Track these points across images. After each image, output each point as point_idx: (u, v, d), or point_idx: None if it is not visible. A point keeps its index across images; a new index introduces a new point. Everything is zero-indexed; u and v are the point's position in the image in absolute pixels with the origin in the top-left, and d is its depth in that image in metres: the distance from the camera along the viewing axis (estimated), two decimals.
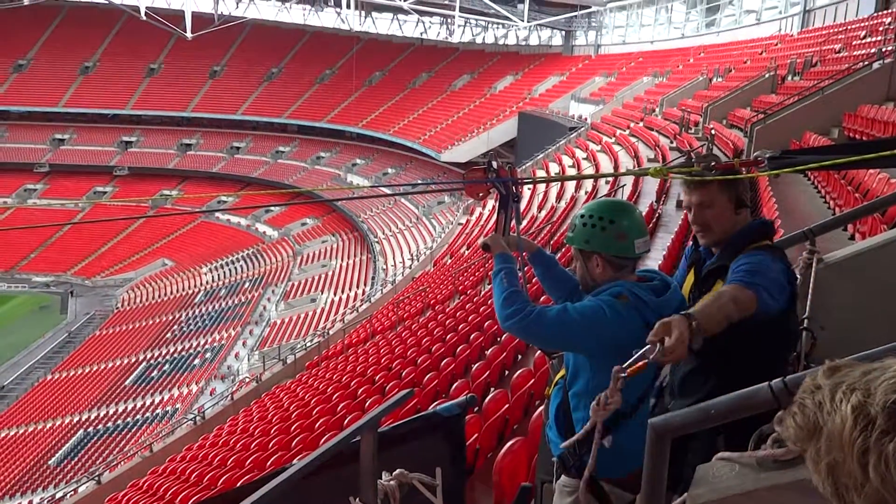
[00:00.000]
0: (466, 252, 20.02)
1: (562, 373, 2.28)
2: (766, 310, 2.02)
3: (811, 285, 2.94)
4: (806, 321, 2.76)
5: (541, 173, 26.47)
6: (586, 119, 32.29)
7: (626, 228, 2.11)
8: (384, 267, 30.72)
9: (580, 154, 25.80)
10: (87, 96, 58.97)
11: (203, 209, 45.85)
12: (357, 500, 2.25)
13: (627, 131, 25.96)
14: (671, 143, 20.75)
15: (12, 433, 26.29)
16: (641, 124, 26.03)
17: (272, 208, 48.53)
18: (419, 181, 40.79)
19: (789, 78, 19.69)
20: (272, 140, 56.09)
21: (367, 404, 8.52)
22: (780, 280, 2.15)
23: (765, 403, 1.33)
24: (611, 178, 16.77)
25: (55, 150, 57.53)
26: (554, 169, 26.08)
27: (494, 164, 2.52)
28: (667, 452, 1.42)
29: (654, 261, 9.24)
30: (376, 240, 35.51)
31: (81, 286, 43.17)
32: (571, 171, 23.70)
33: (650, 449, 1.43)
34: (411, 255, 28.36)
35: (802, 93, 15.06)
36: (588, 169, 22.64)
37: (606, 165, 21.93)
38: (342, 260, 36.68)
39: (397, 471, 2.43)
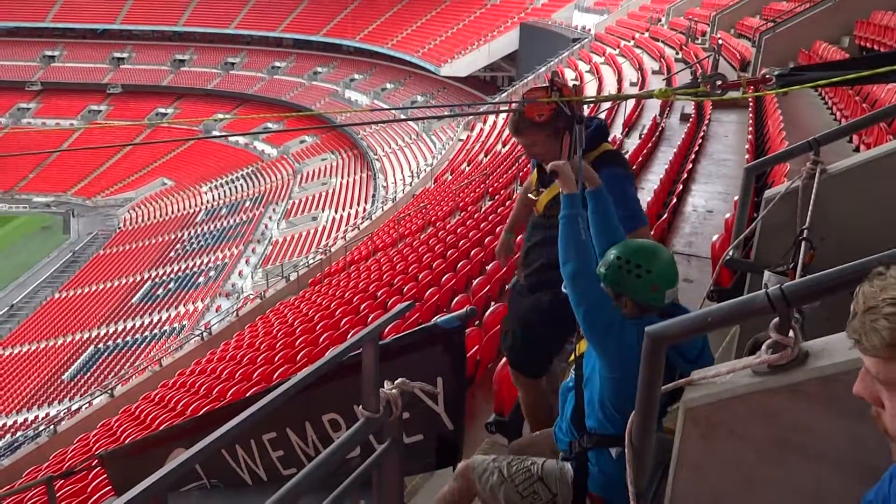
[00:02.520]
0: (467, 168, 19.86)
1: (572, 358, 2.36)
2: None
3: (813, 196, 2.92)
4: (805, 231, 2.76)
5: None
6: (590, 30, 31.27)
7: (659, 279, 2.07)
8: (384, 184, 30.58)
9: (583, 67, 25.14)
10: (74, 11, 57.06)
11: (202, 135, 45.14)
12: (360, 407, 2.30)
13: (632, 42, 25.20)
14: (677, 54, 20.20)
15: (25, 350, 26.96)
16: (647, 35, 25.24)
17: (269, 125, 47.80)
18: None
19: None
20: (267, 55, 54.59)
21: (369, 319, 8.68)
22: (632, 186, 2.67)
23: (762, 310, 1.34)
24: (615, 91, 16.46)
25: (46, 67, 56.17)
26: None
27: (558, 81, 2.48)
28: (662, 360, 1.44)
29: (655, 174, 9.17)
30: (376, 157, 35.18)
31: (82, 206, 43.15)
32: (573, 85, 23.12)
33: (646, 355, 1.45)
34: (411, 172, 28.16)
35: None
36: (591, 82, 22.11)
37: (610, 79, 21.41)
38: (342, 178, 36.47)
39: (399, 380, 2.48)
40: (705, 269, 5.09)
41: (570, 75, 24.97)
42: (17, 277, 33.66)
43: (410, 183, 25.47)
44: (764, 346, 1.40)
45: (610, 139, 2.67)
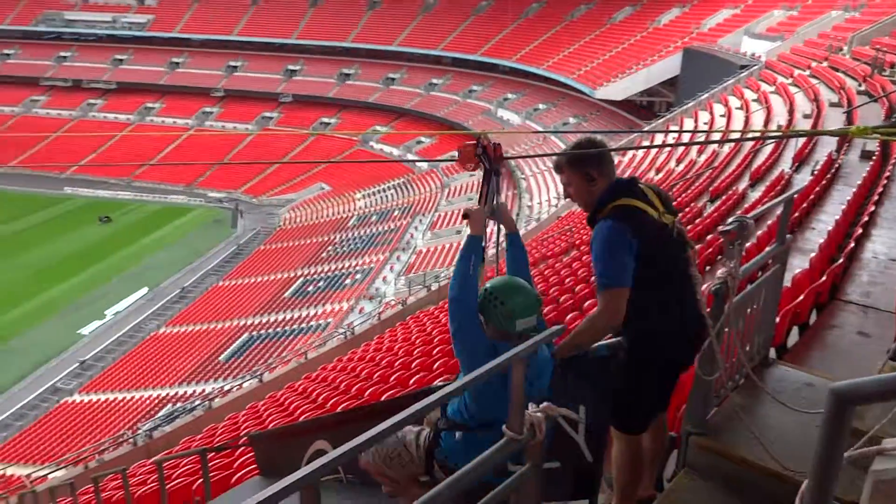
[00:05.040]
0: None
1: None
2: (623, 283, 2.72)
3: None
4: None
5: (704, 115, 24.79)
6: (760, 57, 29.51)
7: (512, 309, 2.60)
8: (529, 204, 30.56)
9: (749, 95, 23.76)
10: (257, 26, 62.46)
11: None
12: (504, 426, 2.32)
13: (807, 72, 23.47)
14: (859, 86, 18.56)
15: (190, 329, 29.66)
16: (825, 64, 23.41)
17: (423, 139, 49.46)
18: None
19: None
20: (426, 72, 56.62)
21: None
22: (619, 241, 2.69)
23: None
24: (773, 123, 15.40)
25: (229, 76, 61.77)
26: (719, 111, 24.27)
27: (483, 141, 2.98)
28: (849, 421, 1.33)
29: (829, 214, 8.47)
30: (523, 176, 35.28)
31: (249, 204, 46.93)
32: (739, 114, 21.95)
33: (829, 417, 1.32)
34: (558, 194, 27.94)
35: None
36: (758, 112, 20.85)
37: (780, 109, 20.07)
38: None
39: (545, 403, 2.47)
40: (885, 324, 4.62)
41: (734, 103, 23.71)
42: (190, 263, 37.23)
43: (556, 204, 25.28)
44: None
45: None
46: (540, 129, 42.12)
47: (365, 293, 28.21)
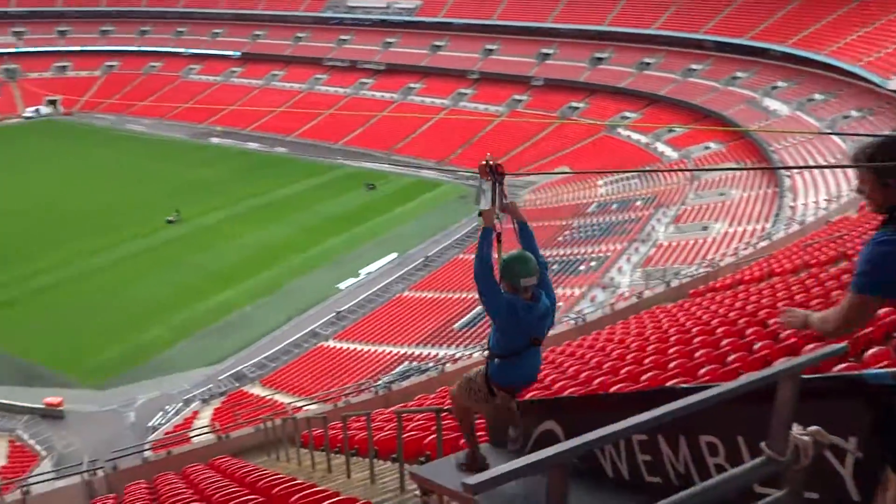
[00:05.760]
0: None
1: None
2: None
3: None
4: None
5: None
6: None
7: (518, 272, 3.86)
8: (792, 204, 27.63)
9: None
10: (515, 10, 63.96)
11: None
12: (766, 445, 2.19)
13: None
14: None
15: (430, 296, 31.81)
16: None
17: (675, 128, 47.04)
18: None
19: None
20: (685, 57, 53.53)
21: (755, 346, 8.05)
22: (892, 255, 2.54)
23: None
24: None
25: (485, 59, 64.18)
26: None
27: (490, 161, 4.36)
28: None
29: None
30: (787, 174, 31.91)
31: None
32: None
33: None
34: (829, 196, 24.88)
35: None
36: None
37: None
38: (743, 191, 34.06)
39: (814, 427, 2.28)
40: None
41: None
42: (434, 235, 39.81)
43: (826, 208, 22.54)
44: None
45: None
46: (813, 121, 37.70)
47: (598, 281, 27.85)
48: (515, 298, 3.86)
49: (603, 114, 53.43)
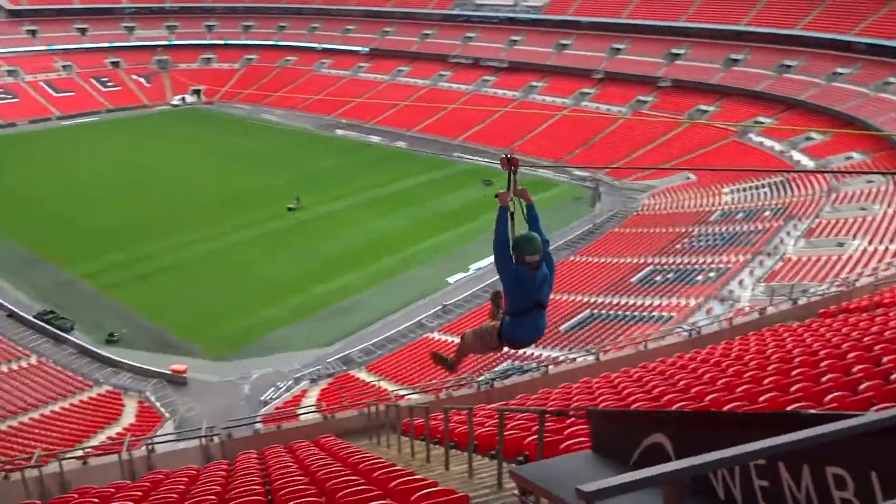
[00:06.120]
0: None
1: None
2: None
3: None
4: None
5: None
6: None
7: (524, 248, 4.66)
8: None
9: None
10: (644, 9, 61.96)
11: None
12: None
13: None
14: None
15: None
16: None
17: (813, 135, 43.88)
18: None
19: None
20: (830, 60, 49.74)
21: (892, 376, 7.33)
22: None
23: None
24: None
25: (611, 58, 62.63)
26: None
27: (509, 153, 5.02)
28: None
29: None
30: None
31: (610, 185, 47.47)
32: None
33: None
34: None
35: None
36: None
37: None
38: (888, 206, 31.22)
39: None
40: None
41: None
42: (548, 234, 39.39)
43: None
44: None
45: None
46: None
47: (716, 293, 26.49)
48: (522, 269, 4.71)
49: (735, 118, 50.72)
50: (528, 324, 4.90)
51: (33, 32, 77.22)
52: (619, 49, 62.79)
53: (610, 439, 5.73)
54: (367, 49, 79.58)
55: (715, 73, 55.41)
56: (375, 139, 62.41)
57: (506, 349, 5.39)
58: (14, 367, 25.51)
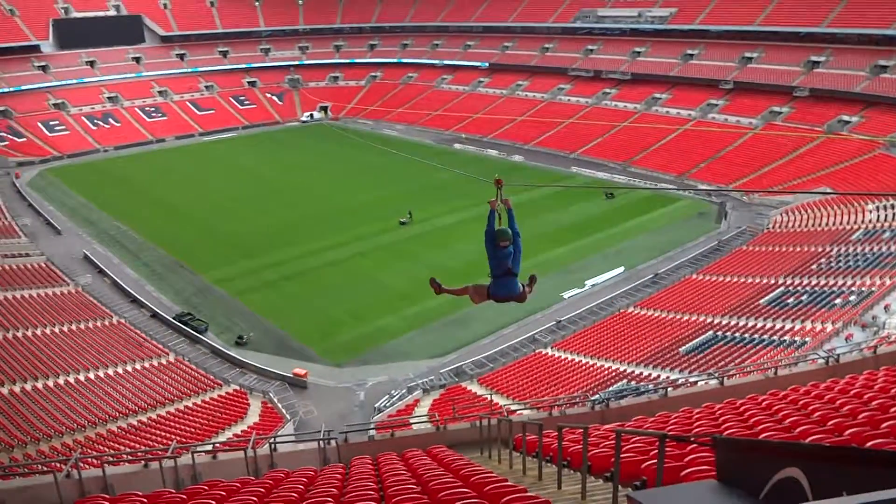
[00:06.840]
0: None
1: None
2: None
3: None
4: None
5: None
6: None
7: (499, 237, 6.94)
8: None
9: None
10: (780, 14, 58.50)
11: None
12: None
13: None
14: None
15: (655, 315, 30.33)
16: None
17: None
18: None
19: None
20: None
21: None
22: None
23: None
24: None
25: (742, 68, 59.61)
26: None
27: (496, 176, 7.46)
28: None
29: None
30: None
31: (738, 201, 45.01)
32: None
33: None
34: None
35: None
36: None
37: None
38: None
39: None
40: None
41: None
42: (667, 251, 37.92)
43: None
44: None
45: None
46: None
47: (857, 319, 24.37)
48: (498, 249, 6.90)
49: (882, 129, 46.68)
50: (502, 285, 7.05)
51: (182, 56, 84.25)
52: (750, 58, 59.64)
53: (737, 469, 5.40)
54: (486, 64, 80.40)
55: (860, 80, 51.33)
56: (493, 153, 62.77)
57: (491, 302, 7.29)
58: (155, 363, 27.76)
